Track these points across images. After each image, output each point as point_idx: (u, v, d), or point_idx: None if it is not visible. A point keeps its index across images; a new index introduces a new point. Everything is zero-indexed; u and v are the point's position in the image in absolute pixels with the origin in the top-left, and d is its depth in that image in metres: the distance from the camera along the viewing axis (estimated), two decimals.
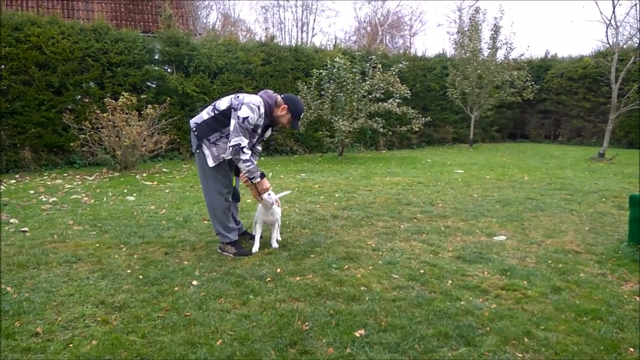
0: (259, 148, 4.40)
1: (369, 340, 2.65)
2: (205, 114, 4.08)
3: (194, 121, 4.14)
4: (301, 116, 4.14)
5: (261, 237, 4.29)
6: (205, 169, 4.11)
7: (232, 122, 3.87)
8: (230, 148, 3.87)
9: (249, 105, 3.86)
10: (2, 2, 13.34)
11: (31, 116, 9.63)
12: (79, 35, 10.27)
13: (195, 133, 4.09)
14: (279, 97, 4.04)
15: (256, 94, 4.06)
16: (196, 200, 6.38)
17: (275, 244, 4.26)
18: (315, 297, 3.23)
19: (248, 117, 3.83)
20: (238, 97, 4.00)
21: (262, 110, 3.93)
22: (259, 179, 3.98)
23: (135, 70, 10.83)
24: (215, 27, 29.08)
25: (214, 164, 4.02)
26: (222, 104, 4.02)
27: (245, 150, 3.85)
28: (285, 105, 3.99)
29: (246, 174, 3.95)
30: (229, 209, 4.20)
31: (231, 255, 4.08)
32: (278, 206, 4.28)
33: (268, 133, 4.32)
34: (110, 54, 10.53)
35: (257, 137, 4.11)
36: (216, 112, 4.01)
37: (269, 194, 4.10)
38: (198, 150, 4.11)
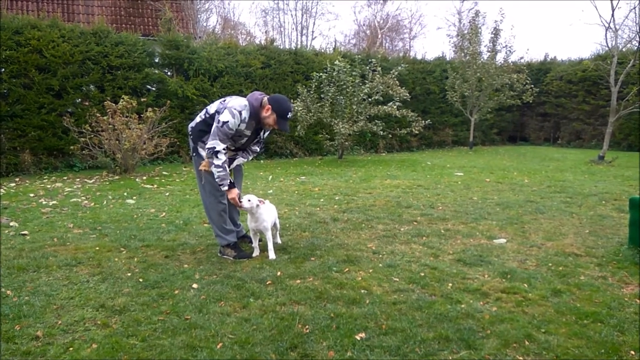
0: (256, 148, 4.35)
1: (369, 344, 2.65)
2: (198, 118, 4.14)
3: (190, 125, 4.19)
4: (288, 116, 3.98)
5: (260, 241, 4.28)
6: (200, 172, 4.13)
7: (214, 125, 3.88)
8: (206, 150, 3.88)
9: (231, 110, 3.84)
10: (2, 5, 13.36)
11: (31, 119, 9.64)
12: (79, 38, 10.30)
13: (191, 137, 4.14)
14: (265, 98, 4.00)
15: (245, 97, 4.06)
16: (196, 203, 6.37)
17: (272, 255, 4.07)
18: (316, 300, 3.22)
19: (228, 121, 3.82)
20: (224, 100, 4.03)
21: (245, 114, 3.88)
22: (226, 187, 3.92)
23: (135, 73, 10.85)
24: (215, 30, 29.14)
25: None
26: (212, 107, 4.06)
27: (219, 155, 3.82)
28: (270, 106, 3.93)
29: (217, 179, 3.90)
30: (224, 211, 4.20)
31: (231, 259, 4.08)
32: (261, 203, 4.07)
33: (265, 134, 4.30)
34: (111, 57, 10.55)
35: (246, 139, 4.08)
36: (206, 115, 4.05)
37: (249, 200, 3.99)
38: (194, 154, 4.16)
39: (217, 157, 3.83)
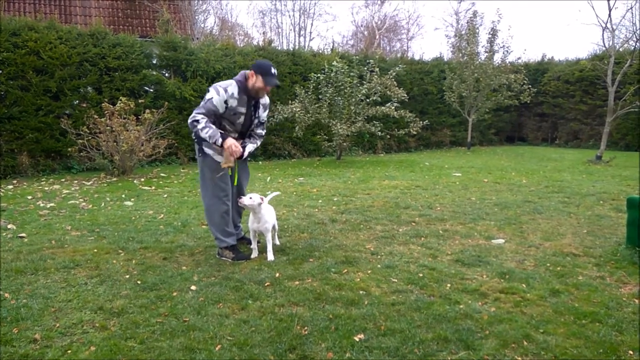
0: (261, 131, 4.35)
1: (368, 345, 2.65)
2: None
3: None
4: (272, 72, 4.00)
5: (259, 242, 4.28)
6: (204, 173, 4.14)
7: (201, 103, 4.00)
8: (189, 124, 3.93)
9: (215, 87, 3.97)
10: None
11: (29, 121, 9.61)
12: (77, 40, 10.28)
13: (195, 139, 4.14)
14: (248, 71, 4.10)
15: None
16: (194, 204, 6.37)
17: (271, 257, 4.07)
18: (314, 301, 3.22)
19: (212, 98, 3.92)
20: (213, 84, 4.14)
21: (232, 90, 3.96)
22: (220, 140, 3.89)
23: (133, 75, 10.84)
24: (213, 31, 29.11)
25: (220, 157, 4.05)
26: None
27: (200, 120, 3.87)
28: (253, 71, 4.01)
29: (209, 139, 3.89)
30: (227, 212, 4.19)
31: (229, 260, 4.08)
32: (261, 202, 4.07)
33: (264, 113, 4.27)
34: (108, 59, 10.53)
35: (242, 117, 4.08)
36: None
37: (250, 197, 4.01)
38: (200, 154, 4.15)
39: (198, 122, 3.88)
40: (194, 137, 4.16)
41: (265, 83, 3.99)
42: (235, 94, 3.97)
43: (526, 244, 4.56)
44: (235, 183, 4.27)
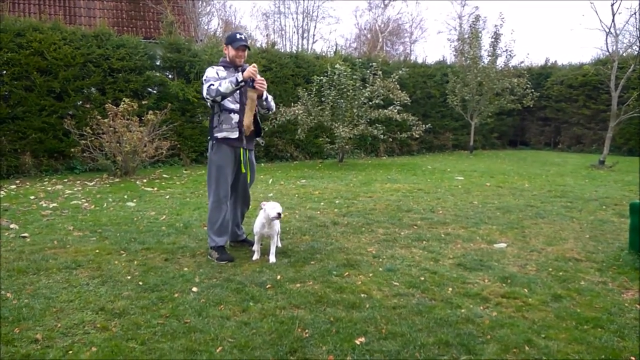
0: (272, 105, 4.45)
1: (369, 348, 2.64)
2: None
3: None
4: (237, 37, 4.25)
5: (261, 244, 4.28)
6: (211, 172, 4.24)
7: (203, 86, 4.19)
8: (208, 98, 4.06)
9: (205, 70, 4.24)
10: (4, 7, 13.40)
11: (32, 121, 9.64)
12: (81, 41, 10.31)
13: (208, 134, 4.31)
14: None
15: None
16: (196, 206, 6.37)
17: (273, 259, 4.09)
18: (316, 304, 3.22)
19: (207, 74, 4.16)
20: None
21: (219, 66, 4.24)
22: (240, 77, 3.99)
23: (136, 76, 10.86)
24: (217, 33, 29.13)
25: (234, 133, 4.20)
26: None
27: (213, 83, 4.02)
28: (224, 45, 4.31)
29: (230, 87, 3.97)
30: (224, 212, 4.23)
31: (214, 260, 4.08)
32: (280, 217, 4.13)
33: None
34: (112, 60, 10.57)
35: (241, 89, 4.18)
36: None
37: (273, 207, 4.04)
38: (214, 143, 4.22)
39: (213, 85, 3.99)
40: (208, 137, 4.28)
41: (233, 48, 4.21)
42: (222, 69, 4.23)
43: (528, 249, 4.55)
44: (243, 171, 4.30)
